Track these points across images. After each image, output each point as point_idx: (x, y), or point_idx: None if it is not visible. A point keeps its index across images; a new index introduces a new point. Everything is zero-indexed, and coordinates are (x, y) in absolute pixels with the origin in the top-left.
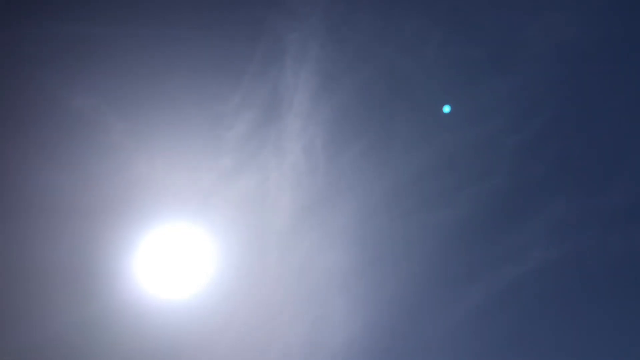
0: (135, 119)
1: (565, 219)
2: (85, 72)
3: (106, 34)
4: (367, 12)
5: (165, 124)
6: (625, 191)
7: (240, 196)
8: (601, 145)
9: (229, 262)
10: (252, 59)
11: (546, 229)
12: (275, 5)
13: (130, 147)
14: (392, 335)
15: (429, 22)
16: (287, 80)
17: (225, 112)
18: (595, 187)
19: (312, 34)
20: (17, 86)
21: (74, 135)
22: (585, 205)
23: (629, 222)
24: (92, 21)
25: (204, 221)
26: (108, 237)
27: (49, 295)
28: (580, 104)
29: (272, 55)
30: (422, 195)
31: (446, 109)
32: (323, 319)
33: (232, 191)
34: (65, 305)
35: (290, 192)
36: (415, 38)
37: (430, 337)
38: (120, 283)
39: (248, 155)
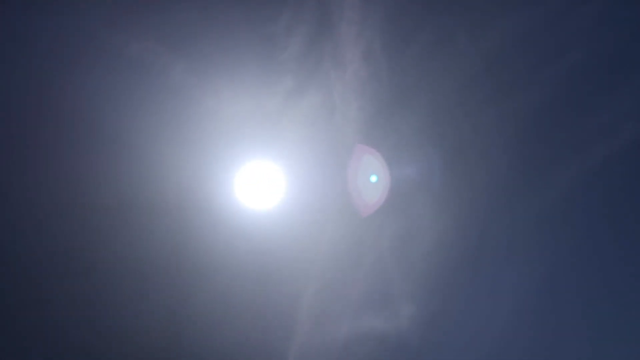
0: (192, 55)
1: None
2: (135, 17)
3: None
4: None
5: (221, 55)
6: None
7: (308, 113)
8: None
9: (308, 180)
10: None
11: (638, 102)
12: None
13: (194, 84)
14: (482, 231)
15: None
16: None
17: (277, 32)
18: None
19: None
20: (70, 39)
21: (138, 80)
22: None
23: None
24: None
25: (276, 143)
26: (189, 169)
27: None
28: None
29: None
30: (497, 83)
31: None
32: (410, 226)
33: (300, 110)
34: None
35: (357, 101)
36: None
37: (522, 227)
38: (211, 204)
39: (308, 71)
